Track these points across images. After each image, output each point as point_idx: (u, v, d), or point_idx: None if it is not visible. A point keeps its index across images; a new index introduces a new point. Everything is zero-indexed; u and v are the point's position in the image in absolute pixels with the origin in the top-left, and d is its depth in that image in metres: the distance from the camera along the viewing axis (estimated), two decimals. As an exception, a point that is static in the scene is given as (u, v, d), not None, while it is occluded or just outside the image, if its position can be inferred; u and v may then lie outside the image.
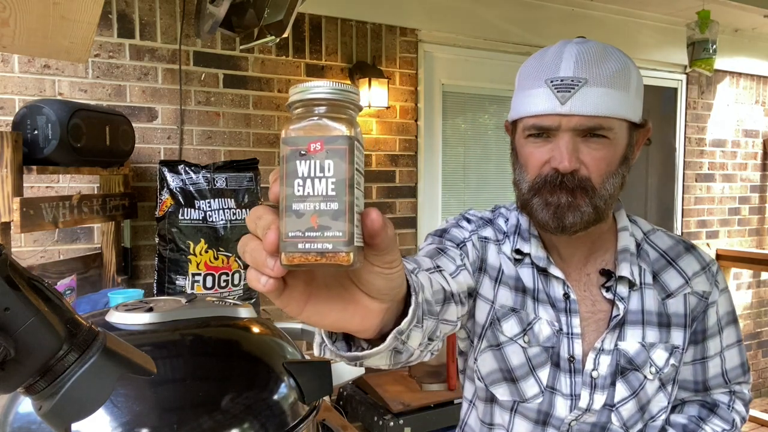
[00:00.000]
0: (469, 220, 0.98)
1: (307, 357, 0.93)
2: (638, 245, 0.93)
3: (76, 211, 1.73)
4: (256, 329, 0.86)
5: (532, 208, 0.85)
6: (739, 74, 3.84)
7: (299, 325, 1.11)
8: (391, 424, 2.18)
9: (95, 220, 1.90)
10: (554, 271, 0.91)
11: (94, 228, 2.15)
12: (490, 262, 0.94)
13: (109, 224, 2.04)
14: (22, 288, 0.44)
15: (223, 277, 1.99)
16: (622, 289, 0.89)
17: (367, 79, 2.52)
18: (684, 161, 3.67)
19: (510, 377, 0.91)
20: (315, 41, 2.55)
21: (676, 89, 3.63)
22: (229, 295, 2.01)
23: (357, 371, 0.88)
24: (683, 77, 3.62)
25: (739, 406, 0.96)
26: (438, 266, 0.81)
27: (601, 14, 3.23)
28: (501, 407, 0.93)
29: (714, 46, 2.91)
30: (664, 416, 0.93)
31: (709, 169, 3.77)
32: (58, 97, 2.07)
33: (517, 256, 0.94)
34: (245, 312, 0.89)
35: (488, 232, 0.97)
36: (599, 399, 0.88)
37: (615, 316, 0.88)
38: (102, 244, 2.08)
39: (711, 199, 3.80)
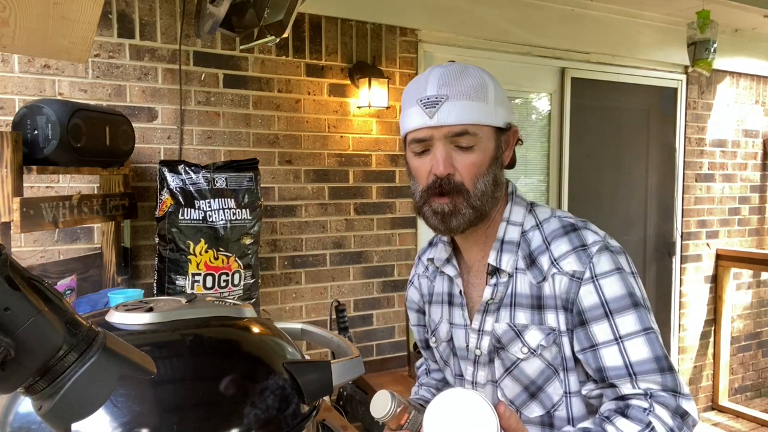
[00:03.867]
0: (416, 264, 1.21)
1: (307, 357, 0.93)
2: (524, 233, 0.99)
3: (76, 211, 1.73)
4: (256, 329, 0.86)
5: (425, 215, 0.98)
6: (739, 74, 3.84)
7: (299, 325, 1.11)
8: (391, 424, 2.17)
9: (95, 220, 1.90)
10: (448, 270, 1.06)
11: (94, 228, 2.15)
12: (424, 292, 1.17)
13: (109, 224, 2.04)
14: (22, 288, 0.44)
15: (223, 277, 1.99)
16: (503, 277, 0.98)
17: (367, 79, 2.52)
18: (684, 161, 3.67)
19: (443, 371, 1.15)
20: (315, 41, 2.55)
21: (676, 89, 3.63)
22: (229, 295, 2.01)
23: (357, 371, 0.88)
24: (683, 77, 3.62)
25: (661, 412, 0.82)
26: (439, 362, 1.16)
27: (601, 14, 3.23)
28: None
29: (714, 46, 2.91)
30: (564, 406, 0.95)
31: (709, 169, 3.78)
32: (58, 97, 2.07)
33: (430, 265, 1.14)
34: (245, 312, 0.89)
35: (422, 263, 1.18)
36: (482, 374, 1.01)
37: (485, 301, 0.99)
38: (102, 244, 2.08)
39: (711, 199, 3.80)
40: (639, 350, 0.86)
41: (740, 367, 4.02)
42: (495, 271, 0.98)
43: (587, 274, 0.90)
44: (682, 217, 3.70)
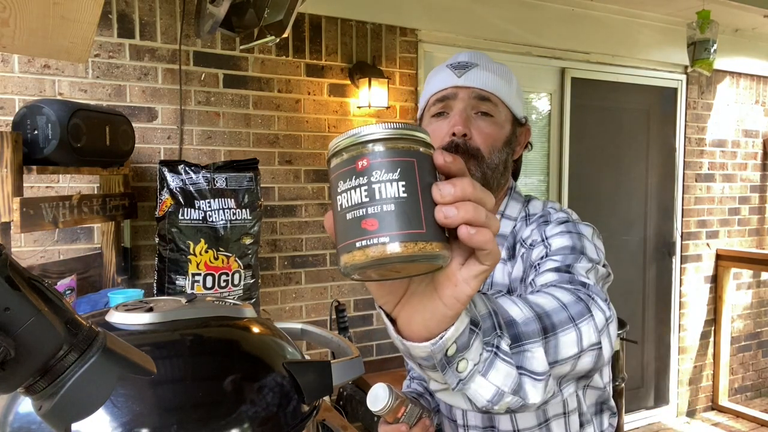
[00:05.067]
0: None
1: (307, 357, 0.93)
2: (514, 227, 1.01)
3: (76, 211, 1.73)
4: (256, 329, 0.86)
5: None
6: (739, 74, 3.84)
7: (299, 325, 1.11)
8: (391, 424, 2.17)
9: (95, 220, 1.90)
10: None
11: (94, 228, 2.15)
12: None
13: (109, 224, 2.04)
14: (22, 288, 0.44)
15: (223, 277, 1.99)
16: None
17: (367, 79, 2.52)
18: (684, 161, 3.67)
19: None
20: (315, 41, 2.55)
21: (676, 89, 3.63)
22: (229, 295, 2.01)
23: (357, 371, 0.88)
24: (683, 77, 3.62)
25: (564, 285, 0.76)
26: None
27: (601, 14, 3.23)
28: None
29: (714, 46, 2.91)
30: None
31: (709, 169, 3.78)
32: (58, 97, 2.07)
33: None
34: (245, 312, 0.89)
35: None
36: None
37: None
38: (102, 244, 2.08)
39: (711, 199, 3.80)
40: (560, 241, 0.86)
41: (740, 367, 4.02)
42: None
43: (539, 239, 0.91)
44: (682, 217, 3.70)
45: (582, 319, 0.66)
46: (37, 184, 2.07)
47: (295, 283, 2.57)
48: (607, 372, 1.00)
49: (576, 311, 0.66)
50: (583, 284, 0.74)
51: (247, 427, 0.71)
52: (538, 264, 0.86)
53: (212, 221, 1.97)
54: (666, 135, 3.65)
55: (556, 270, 0.80)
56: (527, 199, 1.04)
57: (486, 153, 0.94)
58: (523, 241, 0.96)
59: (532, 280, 0.83)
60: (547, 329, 0.62)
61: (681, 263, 3.71)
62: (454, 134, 0.93)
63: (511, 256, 0.98)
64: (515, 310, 0.61)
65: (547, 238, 0.90)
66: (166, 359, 0.73)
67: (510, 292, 0.94)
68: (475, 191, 0.43)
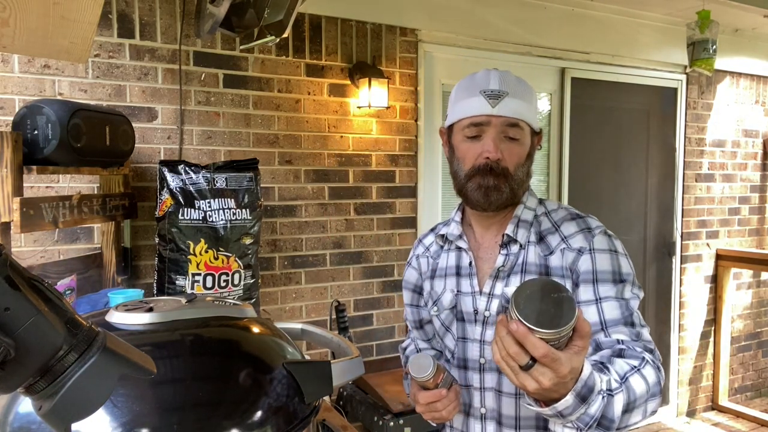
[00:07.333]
0: (415, 247, 1.36)
1: (307, 357, 0.93)
2: (536, 216, 1.18)
3: (76, 211, 1.73)
4: (256, 329, 0.86)
5: (468, 190, 1.13)
6: (739, 74, 3.84)
7: (299, 325, 1.11)
8: (391, 424, 2.18)
9: (95, 220, 1.90)
10: (461, 243, 1.21)
11: (94, 228, 2.15)
12: (423, 270, 1.30)
13: (109, 224, 2.04)
14: (22, 288, 0.44)
15: (223, 277, 1.99)
16: (514, 248, 1.14)
17: (367, 79, 2.52)
18: (684, 161, 3.67)
19: (440, 338, 1.26)
20: (315, 41, 2.55)
21: (676, 89, 3.63)
22: (229, 295, 2.01)
23: (357, 371, 0.88)
24: (683, 77, 3.62)
25: (646, 355, 1.00)
26: (429, 341, 1.36)
27: (601, 14, 3.23)
28: (448, 362, 1.24)
29: (714, 46, 2.91)
30: None
31: (709, 169, 3.78)
32: (58, 97, 2.07)
33: (440, 242, 1.26)
34: (245, 312, 0.89)
35: (422, 245, 1.33)
36: (490, 333, 1.13)
37: (498, 267, 1.14)
38: (102, 244, 2.08)
39: (711, 199, 3.80)
40: (613, 311, 1.04)
41: (740, 367, 4.02)
42: (508, 242, 1.15)
43: (587, 247, 1.09)
44: (682, 217, 3.70)
45: (654, 398, 0.94)
46: (37, 184, 2.07)
47: (295, 283, 2.57)
48: None
49: (654, 392, 0.94)
50: (651, 351, 1.00)
51: (247, 427, 0.71)
52: (596, 291, 1.06)
53: (212, 221, 1.97)
54: (666, 135, 3.65)
55: (624, 323, 1.03)
56: (540, 199, 1.22)
57: (513, 171, 1.12)
58: (565, 238, 1.12)
59: (603, 327, 1.03)
60: (625, 410, 0.89)
61: (681, 263, 3.71)
62: (487, 157, 1.10)
63: (539, 241, 1.14)
64: (617, 408, 0.87)
65: (593, 250, 1.08)
66: (166, 359, 0.73)
67: (547, 275, 1.10)
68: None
